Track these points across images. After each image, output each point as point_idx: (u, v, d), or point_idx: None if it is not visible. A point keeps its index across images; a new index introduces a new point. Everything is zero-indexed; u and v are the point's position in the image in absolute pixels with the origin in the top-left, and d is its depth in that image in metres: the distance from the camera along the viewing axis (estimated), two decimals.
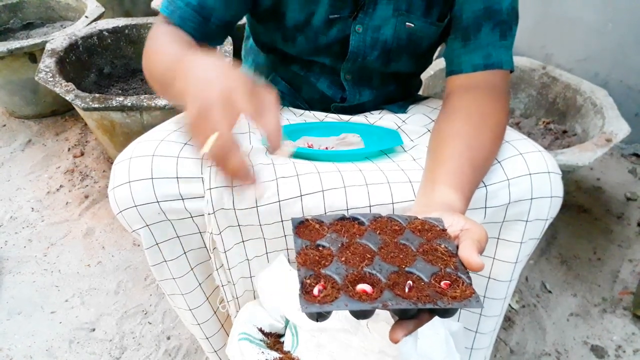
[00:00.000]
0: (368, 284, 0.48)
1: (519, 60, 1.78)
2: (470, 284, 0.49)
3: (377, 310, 0.47)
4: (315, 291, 0.47)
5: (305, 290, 0.47)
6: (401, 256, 0.52)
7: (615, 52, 1.80)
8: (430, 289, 0.48)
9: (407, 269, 0.50)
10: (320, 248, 0.52)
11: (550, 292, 1.39)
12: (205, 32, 0.78)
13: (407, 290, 0.48)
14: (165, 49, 0.72)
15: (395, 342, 0.49)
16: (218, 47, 1.44)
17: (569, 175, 1.52)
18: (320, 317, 0.47)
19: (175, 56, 0.68)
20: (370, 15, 0.80)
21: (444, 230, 0.55)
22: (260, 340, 0.73)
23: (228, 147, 0.53)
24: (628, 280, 1.42)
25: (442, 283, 0.49)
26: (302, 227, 0.56)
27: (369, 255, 0.51)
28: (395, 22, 0.80)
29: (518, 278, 0.80)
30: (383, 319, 0.66)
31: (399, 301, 0.46)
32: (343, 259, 0.51)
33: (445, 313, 0.49)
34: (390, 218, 0.57)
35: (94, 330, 1.29)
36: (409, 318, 0.49)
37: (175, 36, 0.75)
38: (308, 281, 0.47)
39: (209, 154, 0.53)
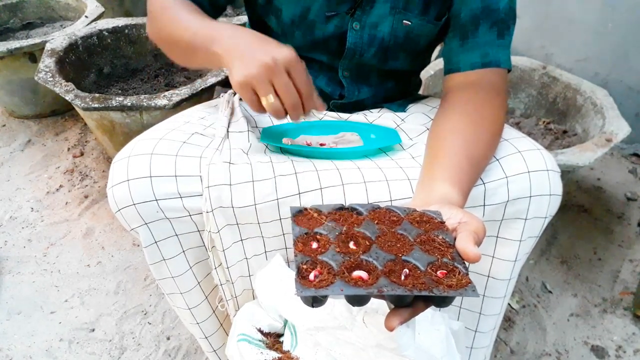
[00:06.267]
0: (364, 270, 0.48)
1: (519, 60, 1.78)
2: (467, 274, 0.48)
3: (374, 303, 0.46)
4: (312, 276, 0.47)
5: (302, 275, 0.47)
6: (398, 245, 0.52)
7: (615, 52, 1.80)
8: (427, 277, 0.48)
9: (403, 257, 0.50)
10: (318, 236, 0.53)
11: (550, 292, 1.39)
12: (215, 3, 0.83)
13: (403, 278, 0.48)
14: (187, 17, 0.74)
15: (391, 329, 0.49)
16: None
17: (569, 175, 1.51)
18: (315, 302, 0.48)
19: (204, 23, 0.72)
20: (367, 12, 0.80)
21: (442, 222, 0.55)
22: (260, 341, 0.73)
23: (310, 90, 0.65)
24: (628, 280, 1.41)
25: (438, 272, 0.49)
26: (300, 215, 0.56)
27: (366, 244, 0.52)
28: (393, 19, 0.80)
29: (517, 276, 0.80)
30: (379, 312, 0.66)
31: (394, 288, 0.46)
32: (340, 246, 0.51)
33: (441, 302, 0.49)
34: (388, 209, 0.58)
35: (93, 330, 1.29)
36: (404, 306, 0.49)
37: (190, 6, 0.77)
38: (304, 266, 0.48)
39: (272, 105, 0.63)
